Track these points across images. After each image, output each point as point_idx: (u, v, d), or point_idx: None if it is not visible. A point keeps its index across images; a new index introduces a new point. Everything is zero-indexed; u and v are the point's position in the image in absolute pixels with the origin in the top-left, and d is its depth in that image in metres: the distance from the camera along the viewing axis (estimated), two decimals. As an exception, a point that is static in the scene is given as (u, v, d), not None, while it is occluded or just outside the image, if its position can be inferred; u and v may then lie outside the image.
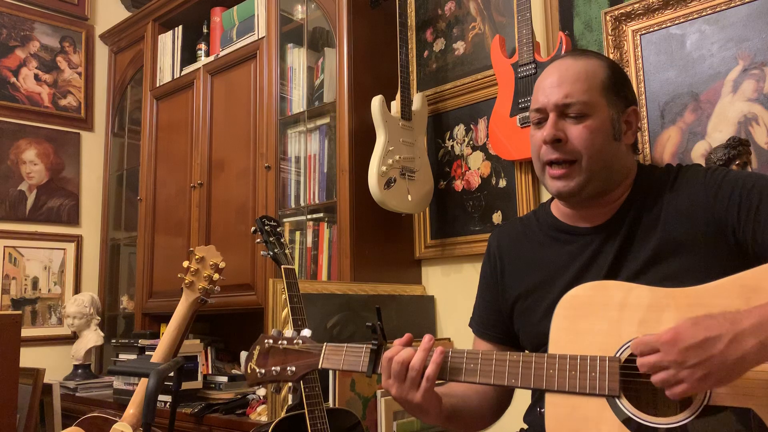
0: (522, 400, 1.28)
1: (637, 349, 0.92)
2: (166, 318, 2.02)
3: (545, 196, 2.06)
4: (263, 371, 1.23)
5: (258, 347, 1.25)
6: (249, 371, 1.24)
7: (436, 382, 1.10)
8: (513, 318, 1.28)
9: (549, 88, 1.17)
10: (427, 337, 1.10)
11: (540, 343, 1.13)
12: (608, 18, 1.96)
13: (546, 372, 1.02)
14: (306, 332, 1.24)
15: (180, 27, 3.14)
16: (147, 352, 2.56)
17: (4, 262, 3.23)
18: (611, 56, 1.93)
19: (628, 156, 1.21)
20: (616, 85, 1.18)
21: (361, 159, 2.21)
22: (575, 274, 1.16)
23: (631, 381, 0.98)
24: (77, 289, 3.42)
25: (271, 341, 1.25)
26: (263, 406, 2.13)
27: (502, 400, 1.30)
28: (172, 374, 1.60)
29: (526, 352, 1.17)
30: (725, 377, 0.87)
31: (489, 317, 1.33)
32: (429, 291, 2.42)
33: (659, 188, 1.16)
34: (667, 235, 1.10)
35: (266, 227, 1.78)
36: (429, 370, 1.07)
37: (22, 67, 3.41)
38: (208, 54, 3.00)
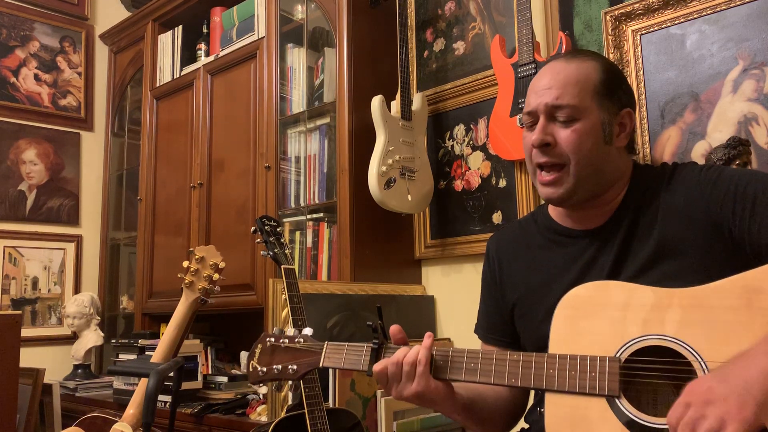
0: (522, 400, 1.29)
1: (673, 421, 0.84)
2: (166, 318, 2.02)
3: (545, 196, 2.05)
4: (265, 369, 1.24)
5: (260, 345, 1.26)
6: (251, 369, 1.25)
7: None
8: (514, 321, 1.28)
9: (540, 91, 1.17)
10: (427, 335, 1.12)
11: (541, 346, 1.13)
12: (608, 18, 1.96)
13: (546, 371, 1.02)
14: (307, 331, 1.25)
15: (180, 27, 3.14)
16: (147, 352, 2.56)
17: (4, 262, 3.23)
18: (611, 56, 1.93)
19: (620, 158, 1.19)
20: (610, 88, 1.16)
21: (361, 159, 2.21)
22: (575, 277, 1.16)
23: (631, 381, 0.97)
24: (77, 289, 3.42)
25: (272, 340, 1.26)
26: (263, 406, 2.13)
27: (517, 402, 1.28)
28: (172, 374, 1.60)
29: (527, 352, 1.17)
30: (763, 398, 0.80)
31: (492, 322, 1.33)
32: (429, 291, 2.41)
33: (655, 188, 1.16)
34: (665, 235, 1.10)
35: (266, 227, 1.78)
36: (420, 355, 1.09)
37: (22, 67, 3.41)
38: (208, 54, 3.00)
